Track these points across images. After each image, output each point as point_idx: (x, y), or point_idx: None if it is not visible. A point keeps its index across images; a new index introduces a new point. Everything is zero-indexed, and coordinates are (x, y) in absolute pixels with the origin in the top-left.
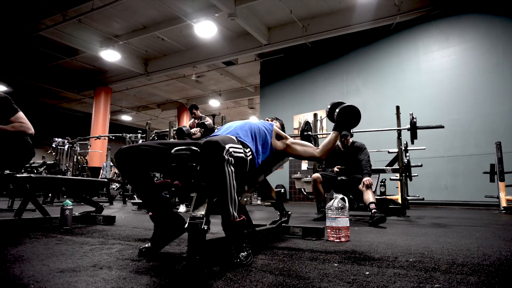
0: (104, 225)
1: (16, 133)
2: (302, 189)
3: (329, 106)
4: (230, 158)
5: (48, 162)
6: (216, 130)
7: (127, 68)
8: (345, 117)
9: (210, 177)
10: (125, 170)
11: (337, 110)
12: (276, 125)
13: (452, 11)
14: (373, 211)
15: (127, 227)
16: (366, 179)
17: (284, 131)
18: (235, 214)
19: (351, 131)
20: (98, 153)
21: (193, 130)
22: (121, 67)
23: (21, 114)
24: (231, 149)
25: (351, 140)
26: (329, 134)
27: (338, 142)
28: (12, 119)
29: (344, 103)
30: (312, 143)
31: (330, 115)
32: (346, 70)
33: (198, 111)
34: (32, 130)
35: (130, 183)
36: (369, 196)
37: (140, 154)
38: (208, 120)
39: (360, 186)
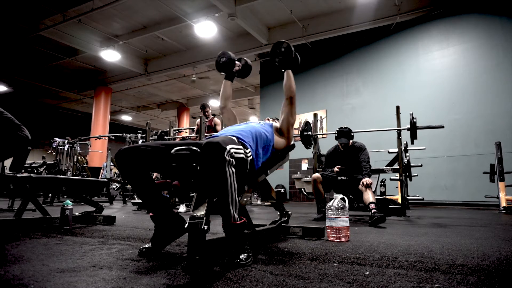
0: (104, 225)
1: None
2: (302, 189)
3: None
4: (231, 159)
5: (48, 162)
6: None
7: (127, 68)
8: (288, 54)
9: (211, 178)
10: (126, 171)
11: (281, 49)
12: (275, 124)
13: (452, 11)
14: (372, 211)
15: (127, 227)
16: (365, 180)
17: None
18: (236, 215)
19: (352, 133)
20: (98, 153)
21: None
22: (121, 67)
23: None
24: (232, 150)
25: (350, 141)
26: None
27: (338, 144)
28: None
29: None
30: (312, 143)
31: (274, 56)
32: (346, 70)
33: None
34: None
35: (131, 184)
36: (368, 196)
37: (140, 154)
38: (218, 122)
39: (360, 186)
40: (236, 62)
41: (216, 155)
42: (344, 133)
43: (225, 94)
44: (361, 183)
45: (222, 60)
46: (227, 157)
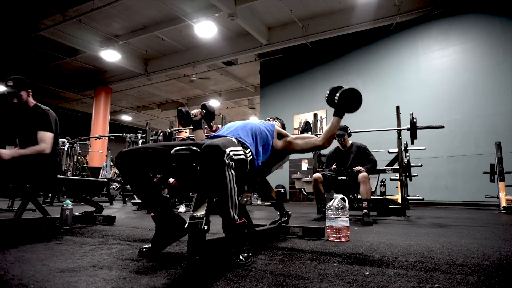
0: (104, 225)
1: (33, 155)
2: (302, 189)
3: (328, 91)
4: (230, 162)
5: None
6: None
7: (127, 68)
8: (346, 100)
9: (211, 181)
10: (126, 173)
11: (337, 94)
12: (277, 125)
13: (452, 11)
14: (364, 211)
15: (127, 227)
16: (362, 174)
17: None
18: (236, 216)
19: (349, 130)
20: (98, 153)
21: (193, 112)
22: (121, 67)
23: (48, 134)
24: (231, 153)
25: (349, 142)
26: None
27: (337, 143)
28: (38, 135)
29: (344, 87)
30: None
31: (330, 100)
32: (346, 70)
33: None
34: (47, 151)
35: (132, 186)
36: (363, 191)
37: (140, 157)
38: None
39: (359, 177)
40: (195, 111)
41: (216, 159)
42: (342, 133)
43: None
44: (360, 172)
45: (180, 117)
46: (226, 160)
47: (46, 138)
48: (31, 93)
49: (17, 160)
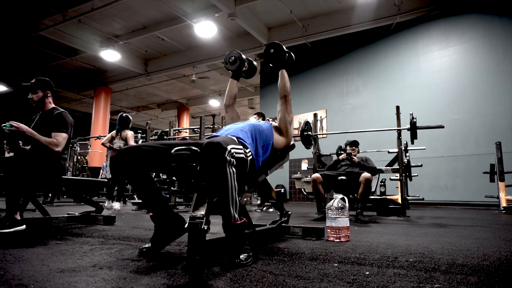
0: (104, 225)
1: (45, 146)
2: (302, 189)
3: (263, 52)
4: (231, 159)
5: None
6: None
7: (127, 68)
8: (280, 54)
9: (211, 179)
10: (126, 171)
11: (271, 50)
12: (274, 123)
13: (452, 11)
14: (357, 211)
15: (127, 227)
16: (365, 174)
17: None
18: (236, 215)
19: (358, 144)
20: (98, 153)
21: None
22: (121, 67)
23: (63, 135)
24: (232, 150)
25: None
26: (331, 133)
27: (345, 158)
28: (53, 135)
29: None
30: (312, 143)
31: (267, 58)
32: (346, 70)
33: None
34: (58, 148)
35: (131, 184)
36: (361, 192)
37: (140, 154)
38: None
39: (361, 178)
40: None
41: (217, 156)
42: (355, 142)
43: (230, 92)
44: (361, 177)
45: (232, 59)
46: (227, 157)
47: (59, 138)
48: (49, 95)
49: (29, 159)
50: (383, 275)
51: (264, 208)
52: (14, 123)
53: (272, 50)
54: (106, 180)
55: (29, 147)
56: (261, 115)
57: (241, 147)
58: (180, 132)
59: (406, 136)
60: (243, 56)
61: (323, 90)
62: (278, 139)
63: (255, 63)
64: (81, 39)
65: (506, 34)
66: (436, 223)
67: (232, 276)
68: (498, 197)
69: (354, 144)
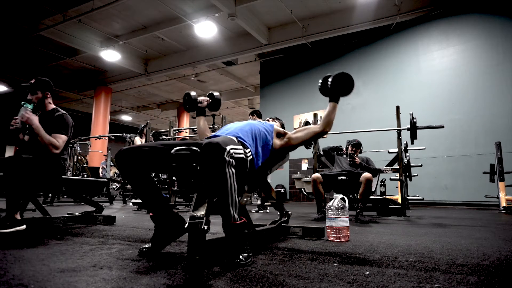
0: (104, 225)
1: (44, 145)
2: (302, 189)
3: (320, 81)
4: (231, 160)
5: None
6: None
7: (127, 68)
8: (339, 83)
9: (211, 179)
10: (126, 171)
11: (329, 79)
12: (276, 125)
13: (452, 11)
14: (357, 211)
15: (127, 227)
16: (366, 174)
17: None
18: (236, 215)
19: (361, 148)
20: (98, 153)
21: (200, 98)
22: (121, 67)
23: (63, 137)
24: (232, 151)
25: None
26: (331, 133)
27: (347, 158)
28: (52, 135)
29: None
30: (312, 143)
31: (323, 87)
32: (346, 70)
33: None
34: (56, 150)
35: (131, 184)
36: (361, 192)
37: (140, 155)
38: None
39: (361, 178)
40: (202, 98)
41: (216, 156)
42: (358, 145)
43: (200, 129)
44: (362, 177)
45: (185, 101)
46: (227, 158)
47: (60, 140)
48: (49, 96)
49: (29, 159)
50: (383, 275)
51: (262, 211)
52: (27, 114)
53: (344, 81)
54: (106, 180)
55: (27, 137)
56: (256, 113)
57: (240, 147)
58: (180, 132)
59: (406, 136)
60: (192, 94)
61: None
62: (276, 143)
63: (218, 95)
64: (81, 39)
65: (506, 34)
66: (436, 223)
67: (232, 276)
68: (498, 197)
69: (356, 146)
